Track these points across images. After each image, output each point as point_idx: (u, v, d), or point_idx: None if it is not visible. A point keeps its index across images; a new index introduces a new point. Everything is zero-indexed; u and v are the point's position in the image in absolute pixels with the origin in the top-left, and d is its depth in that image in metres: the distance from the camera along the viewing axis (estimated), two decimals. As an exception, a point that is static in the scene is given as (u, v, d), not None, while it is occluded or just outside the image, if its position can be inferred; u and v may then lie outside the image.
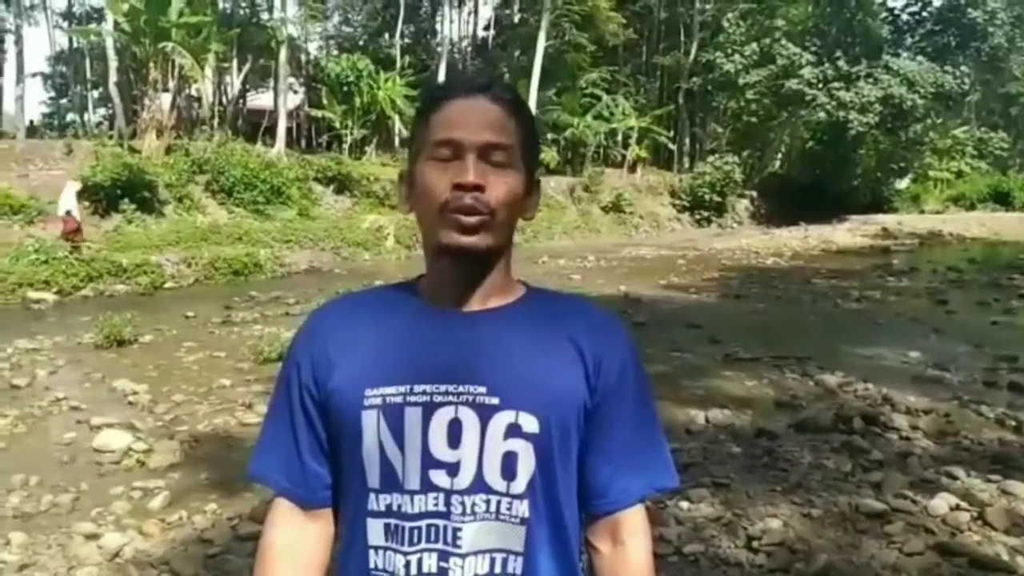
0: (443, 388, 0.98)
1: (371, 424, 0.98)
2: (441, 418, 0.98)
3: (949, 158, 38.40)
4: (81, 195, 13.77)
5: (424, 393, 0.98)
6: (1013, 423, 5.37)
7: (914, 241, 24.63)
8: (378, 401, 0.98)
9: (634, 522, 1.06)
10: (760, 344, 8.07)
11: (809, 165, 33.74)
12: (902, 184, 38.57)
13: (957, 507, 3.85)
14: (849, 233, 25.88)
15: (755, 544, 3.49)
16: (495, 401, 0.98)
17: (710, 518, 3.75)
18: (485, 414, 0.98)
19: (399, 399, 0.98)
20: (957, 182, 39.34)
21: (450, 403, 0.98)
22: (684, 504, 3.89)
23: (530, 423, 0.98)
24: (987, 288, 13.49)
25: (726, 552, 3.42)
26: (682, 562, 3.33)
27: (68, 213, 13.02)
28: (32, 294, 11.18)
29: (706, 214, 29.05)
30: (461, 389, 0.98)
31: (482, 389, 0.98)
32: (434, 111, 1.01)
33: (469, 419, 0.98)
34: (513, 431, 0.98)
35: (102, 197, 15.08)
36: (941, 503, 3.87)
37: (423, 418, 0.98)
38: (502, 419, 0.98)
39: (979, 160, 38.91)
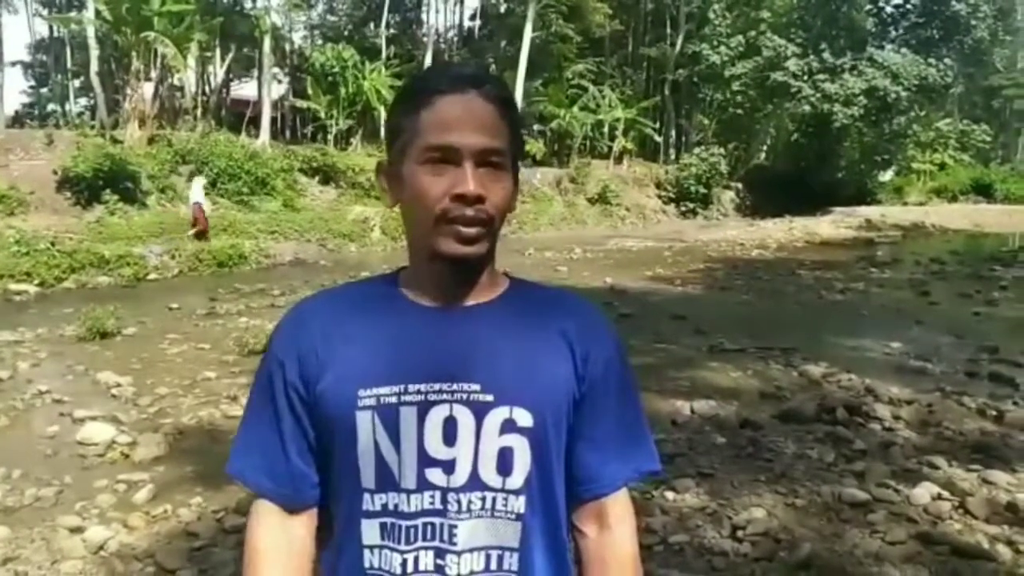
0: (437, 387, 0.98)
1: (366, 425, 0.98)
2: (436, 417, 0.98)
3: (932, 150, 38.79)
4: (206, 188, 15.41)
5: (419, 392, 0.98)
6: (994, 413, 5.43)
7: (897, 233, 24.85)
8: (372, 402, 0.98)
9: (620, 506, 1.09)
10: (745, 335, 8.11)
11: (794, 157, 33.93)
12: (886, 176, 38.85)
13: (939, 496, 3.90)
14: (833, 225, 26.06)
15: (740, 533, 3.52)
16: (489, 398, 0.99)
17: (695, 508, 3.78)
18: (480, 411, 0.99)
19: (394, 399, 0.98)
20: (940, 174, 39.70)
21: (444, 401, 0.98)
22: (669, 494, 3.92)
23: (524, 418, 0.99)
24: (969, 280, 13.64)
25: (711, 541, 3.45)
26: (667, 552, 3.36)
27: (197, 204, 14.49)
28: (13, 286, 11.04)
29: (692, 206, 29.12)
30: (455, 387, 0.98)
31: (476, 386, 0.99)
32: (423, 106, 0.97)
33: (464, 417, 0.98)
34: (508, 427, 0.99)
35: (83, 188, 14.89)
36: (923, 492, 3.92)
37: (418, 417, 0.98)
38: (497, 415, 0.99)
39: (962, 152, 39.37)
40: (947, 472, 4.26)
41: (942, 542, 3.43)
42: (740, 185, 32.32)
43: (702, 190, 28.88)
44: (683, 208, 29.12)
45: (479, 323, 1.02)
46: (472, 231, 0.96)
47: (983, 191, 38.70)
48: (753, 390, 6.10)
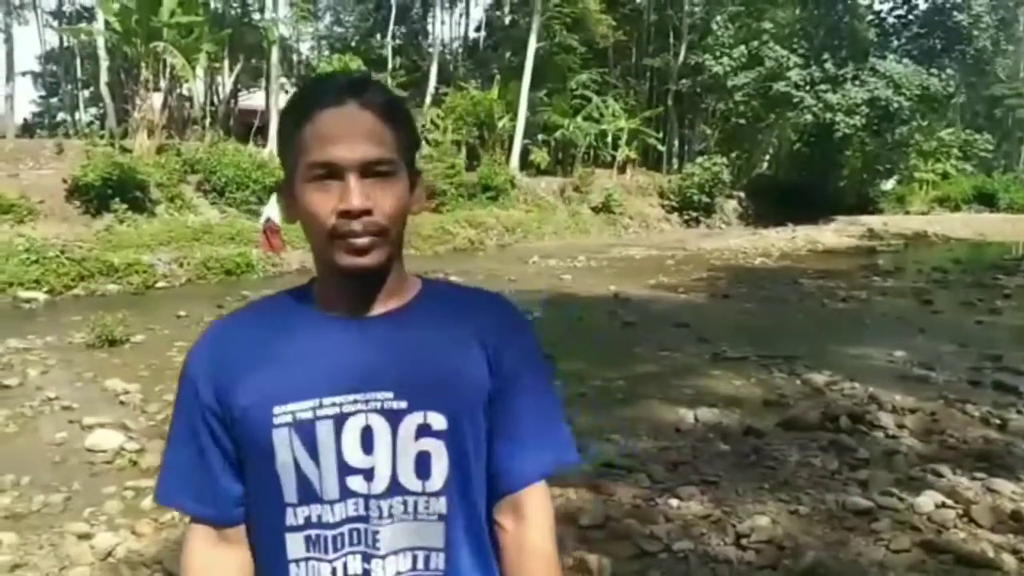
0: (351, 398, 0.99)
1: (283, 442, 0.98)
2: (353, 427, 0.99)
3: (934, 160, 38.74)
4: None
5: (333, 405, 0.99)
6: (998, 421, 5.43)
7: (900, 242, 24.82)
8: (288, 419, 0.98)
9: (536, 498, 1.08)
10: (748, 343, 8.12)
11: (796, 166, 33.94)
12: (888, 185, 38.84)
13: (943, 504, 3.90)
14: (836, 234, 26.03)
15: (744, 541, 3.53)
16: (403, 405, 1.00)
17: (699, 516, 3.79)
18: (394, 418, 0.99)
19: (309, 414, 0.98)
20: (942, 183, 39.64)
21: (359, 412, 0.99)
22: (673, 502, 3.93)
23: (439, 421, 1.00)
24: (972, 288, 13.61)
25: (715, 549, 3.46)
26: (672, 559, 3.36)
27: (268, 220, 14.80)
28: (23, 293, 11.09)
29: (695, 215, 29.10)
30: (368, 396, 0.99)
31: (389, 394, 0.99)
32: (304, 122, 0.97)
33: (379, 426, 0.99)
34: (423, 431, 1.00)
35: (93, 197, 14.97)
36: (927, 501, 3.92)
37: (335, 430, 0.98)
38: (411, 422, 1.00)
39: (964, 162, 39.29)
40: (951, 480, 4.26)
41: (946, 551, 3.43)
42: (743, 194, 32.29)
43: (705, 199, 28.87)
44: (686, 217, 29.11)
45: (390, 331, 1.03)
46: (364, 242, 0.96)
47: (986, 200, 38.66)
48: (756, 398, 6.11)
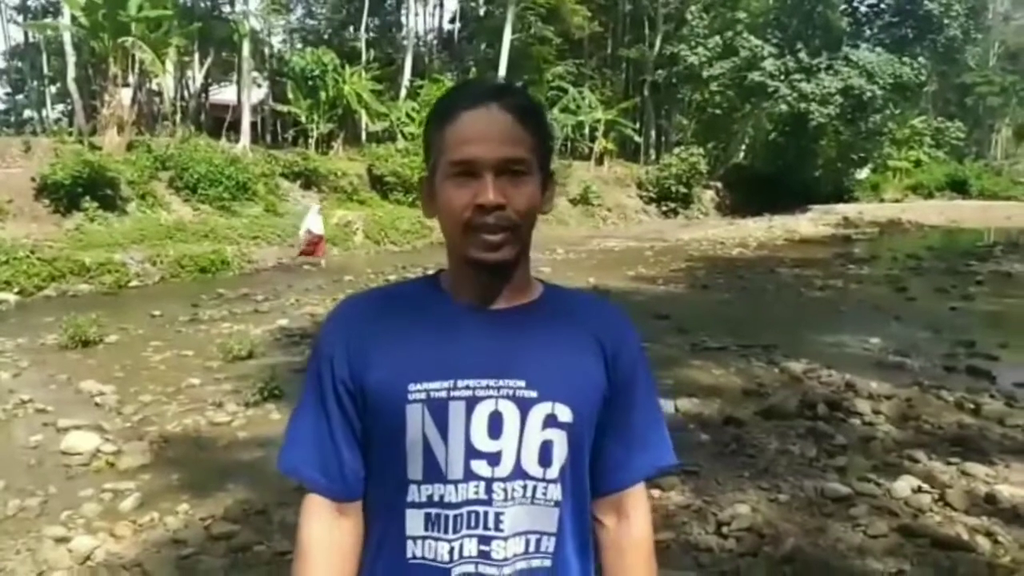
0: (484, 382, 1.04)
1: (415, 418, 1.03)
2: (482, 411, 1.04)
3: (908, 148, 39.28)
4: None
5: (467, 388, 1.04)
6: (971, 406, 5.52)
7: (874, 230, 25.13)
8: (422, 395, 1.03)
9: (637, 498, 1.17)
10: (727, 333, 8.18)
11: (772, 156, 34.24)
12: (862, 174, 39.28)
13: (919, 489, 3.97)
14: (812, 223, 26.30)
15: (724, 530, 3.56)
16: (534, 394, 1.05)
17: (680, 505, 3.82)
18: (525, 406, 1.05)
19: (443, 394, 1.03)
20: (916, 171, 40.21)
21: (491, 397, 1.04)
22: (655, 492, 3.94)
23: (565, 413, 1.06)
24: (945, 275, 13.81)
25: (696, 538, 3.49)
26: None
27: (308, 232, 15.39)
28: (-8, 295, 10.92)
29: (673, 205, 29.25)
30: (502, 383, 1.04)
31: (521, 383, 1.05)
32: (447, 123, 1.03)
33: (509, 411, 1.04)
34: (550, 421, 1.06)
35: (62, 195, 14.71)
36: (903, 485, 3.98)
37: (466, 411, 1.03)
38: (540, 410, 1.05)
39: (936, 149, 39.88)
40: (927, 465, 4.33)
41: (923, 534, 3.48)
42: (720, 184, 32.52)
43: (682, 190, 29.02)
44: (664, 208, 29.24)
45: (521, 323, 1.09)
46: (496, 237, 1.01)
47: (958, 187, 39.29)
48: (736, 387, 6.16)
